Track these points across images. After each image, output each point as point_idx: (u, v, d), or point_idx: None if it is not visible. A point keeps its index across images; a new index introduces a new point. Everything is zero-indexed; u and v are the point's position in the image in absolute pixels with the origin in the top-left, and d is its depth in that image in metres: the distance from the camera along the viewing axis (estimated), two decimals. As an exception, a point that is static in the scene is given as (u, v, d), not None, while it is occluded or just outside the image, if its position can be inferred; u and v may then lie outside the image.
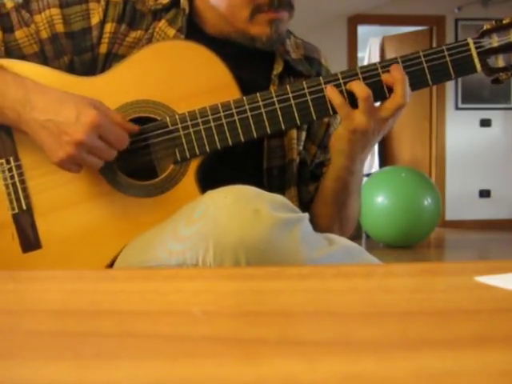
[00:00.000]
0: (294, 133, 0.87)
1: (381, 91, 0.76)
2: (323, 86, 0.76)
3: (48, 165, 0.77)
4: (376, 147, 5.27)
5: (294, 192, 0.88)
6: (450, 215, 5.00)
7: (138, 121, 0.77)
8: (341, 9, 4.73)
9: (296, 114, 0.77)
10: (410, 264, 0.58)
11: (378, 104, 0.77)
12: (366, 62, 5.61)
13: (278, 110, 0.76)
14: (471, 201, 5.05)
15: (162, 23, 0.83)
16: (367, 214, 3.73)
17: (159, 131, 0.77)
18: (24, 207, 0.78)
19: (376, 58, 5.45)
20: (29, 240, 0.78)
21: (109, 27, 0.81)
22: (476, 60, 0.77)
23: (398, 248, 3.83)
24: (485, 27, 0.78)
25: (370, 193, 3.72)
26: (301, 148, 0.89)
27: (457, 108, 5.02)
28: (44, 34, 0.82)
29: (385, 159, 5.43)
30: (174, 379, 0.23)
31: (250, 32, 0.81)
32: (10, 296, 0.41)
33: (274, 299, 0.38)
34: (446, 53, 0.76)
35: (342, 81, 0.76)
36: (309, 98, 0.76)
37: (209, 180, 0.75)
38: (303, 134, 0.90)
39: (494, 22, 0.78)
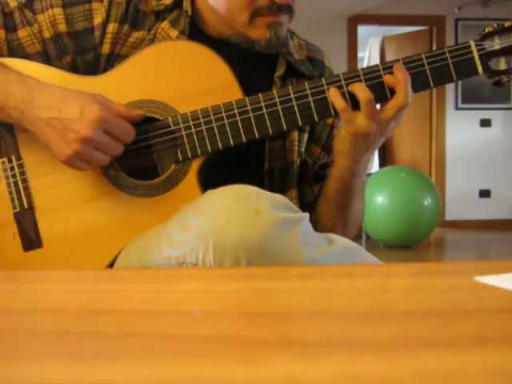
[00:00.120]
0: (295, 134, 0.87)
1: (382, 93, 0.76)
2: (325, 87, 0.76)
3: (50, 164, 0.77)
4: (376, 147, 5.26)
5: (295, 193, 0.88)
6: (449, 215, 5.00)
7: (139, 120, 0.77)
8: (341, 9, 4.73)
9: (298, 115, 0.77)
10: (410, 264, 0.58)
11: (378, 106, 0.77)
12: (365, 62, 5.61)
13: (280, 110, 0.76)
14: (471, 201, 5.05)
15: (165, 24, 0.83)
16: (367, 214, 3.69)
17: (161, 131, 0.77)
18: (26, 206, 0.78)
19: (376, 58, 5.45)
20: (30, 239, 0.78)
21: (111, 27, 0.81)
22: (478, 62, 0.77)
23: (398, 248, 3.83)
24: (486, 30, 0.78)
25: (369, 193, 3.72)
26: (302, 150, 0.89)
27: (457, 108, 5.02)
28: (47, 34, 0.82)
29: (385, 159, 5.43)
30: (174, 379, 0.23)
31: (250, 35, 0.81)
32: (9, 296, 0.41)
33: (274, 299, 0.38)
34: (447, 55, 0.76)
35: (343, 82, 0.76)
36: (311, 99, 0.76)
37: (210, 180, 0.74)
38: (305, 136, 0.90)
39: (495, 25, 0.78)
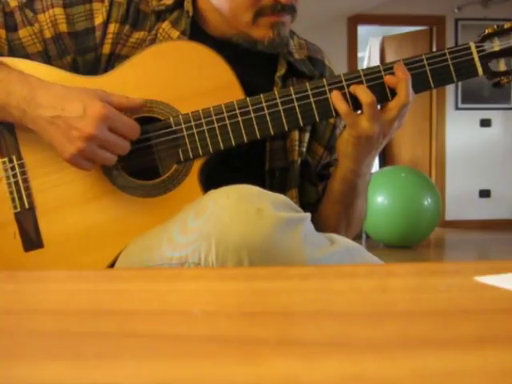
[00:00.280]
0: (295, 134, 0.87)
1: (383, 93, 0.76)
2: (326, 88, 0.77)
3: (51, 164, 0.77)
4: (376, 147, 5.25)
5: (295, 193, 0.88)
6: (449, 215, 5.00)
7: (141, 120, 0.77)
8: (341, 9, 4.73)
9: (299, 116, 0.77)
10: (410, 264, 0.58)
11: (379, 107, 0.77)
12: (365, 62, 5.61)
13: (282, 111, 0.77)
14: (471, 201, 5.05)
15: (166, 24, 0.83)
16: (367, 214, 3.72)
17: (162, 131, 0.77)
18: (26, 206, 0.78)
19: (376, 58, 5.45)
20: (31, 239, 0.78)
21: (112, 28, 0.81)
22: (478, 64, 0.77)
23: (398, 248, 3.83)
24: (486, 31, 0.79)
25: (370, 193, 3.69)
26: (303, 149, 0.90)
27: (457, 108, 5.02)
28: (47, 34, 0.82)
29: (385, 159, 5.43)
30: (174, 379, 0.23)
31: (253, 35, 0.81)
32: (10, 296, 0.41)
33: (274, 299, 0.38)
34: (448, 56, 0.77)
35: (345, 83, 0.76)
36: (312, 99, 0.77)
37: (211, 180, 0.75)
38: (306, 136, 0.90)
39: (495, 26, 0.78)
